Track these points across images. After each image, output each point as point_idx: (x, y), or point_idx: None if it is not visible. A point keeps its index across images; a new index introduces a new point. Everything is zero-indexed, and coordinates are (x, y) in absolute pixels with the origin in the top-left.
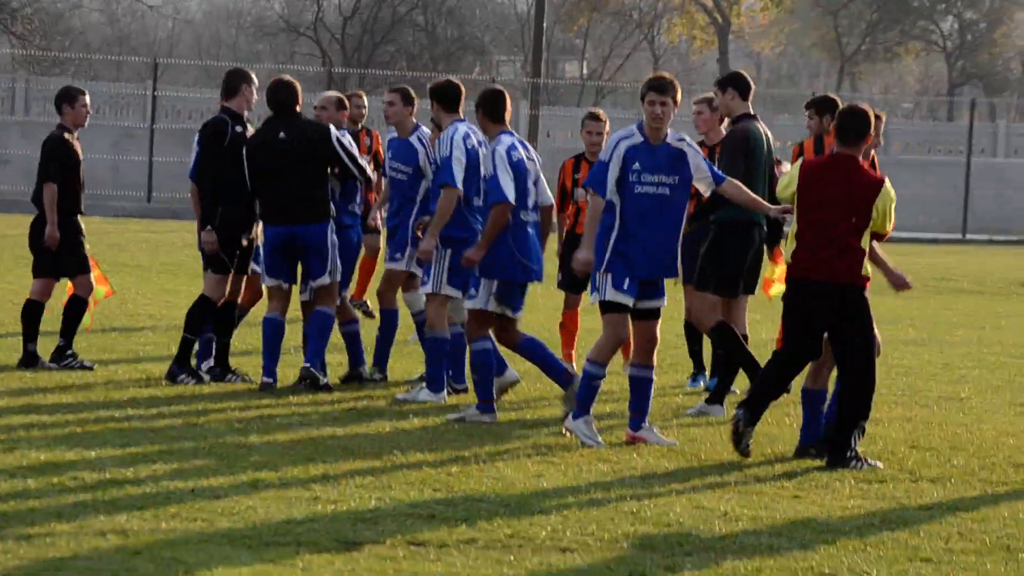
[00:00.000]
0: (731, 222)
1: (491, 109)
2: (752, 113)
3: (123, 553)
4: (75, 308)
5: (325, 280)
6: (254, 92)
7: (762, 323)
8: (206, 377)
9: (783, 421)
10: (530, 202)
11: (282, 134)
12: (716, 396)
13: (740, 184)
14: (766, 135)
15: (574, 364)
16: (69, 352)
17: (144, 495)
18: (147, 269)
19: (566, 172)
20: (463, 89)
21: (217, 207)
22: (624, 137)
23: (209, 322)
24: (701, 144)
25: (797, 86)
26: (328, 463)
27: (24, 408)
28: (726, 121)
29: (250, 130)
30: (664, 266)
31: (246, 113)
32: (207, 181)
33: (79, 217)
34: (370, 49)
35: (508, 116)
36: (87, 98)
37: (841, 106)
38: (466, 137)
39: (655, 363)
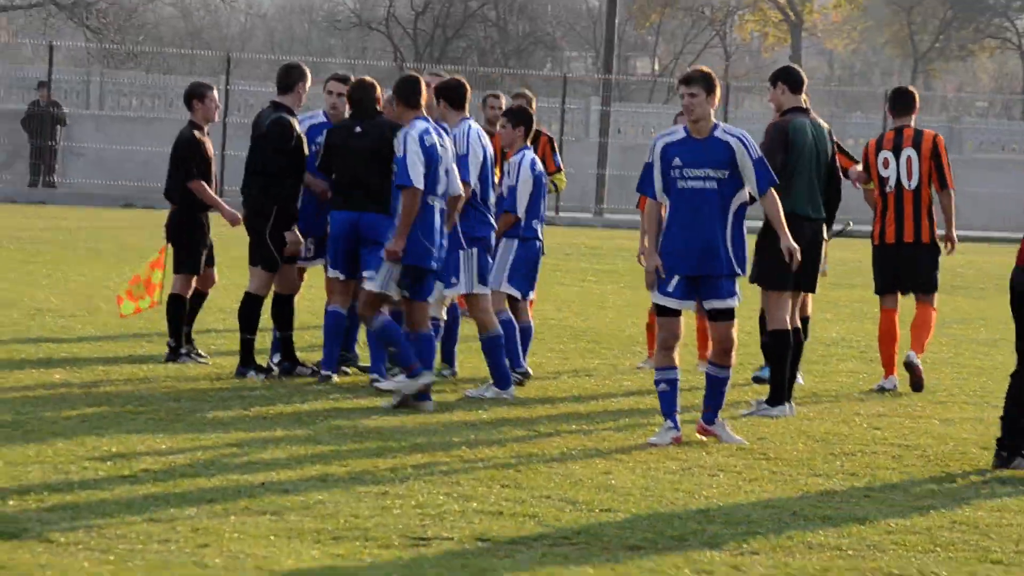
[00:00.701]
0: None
1: (406, 96)
2: (804, 107)
3: (192, 545)
4: (176, 306)
5: None
6: (307, 88)
7: (832, 322)
8: (275, 370)
9: (852, 420)
10: (439, 189)
11: (358, 128)
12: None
13: (778, 202)
14: (817, 129)
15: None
16: (183, 350)
17: (213, 488)
18: (218, 264)
19: None
20: (468, 86)
21: (274, 205)
22: (663, 135)
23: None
24: None
25: (870, 84)
26: (396, 457)
27: (96, 400)
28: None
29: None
30: (711, 261)
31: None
32: (269, 177)
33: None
34: (442, 44)
35: (424, 102)
36: (215, 93)
37: (916, 97)
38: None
39: (732, 363)
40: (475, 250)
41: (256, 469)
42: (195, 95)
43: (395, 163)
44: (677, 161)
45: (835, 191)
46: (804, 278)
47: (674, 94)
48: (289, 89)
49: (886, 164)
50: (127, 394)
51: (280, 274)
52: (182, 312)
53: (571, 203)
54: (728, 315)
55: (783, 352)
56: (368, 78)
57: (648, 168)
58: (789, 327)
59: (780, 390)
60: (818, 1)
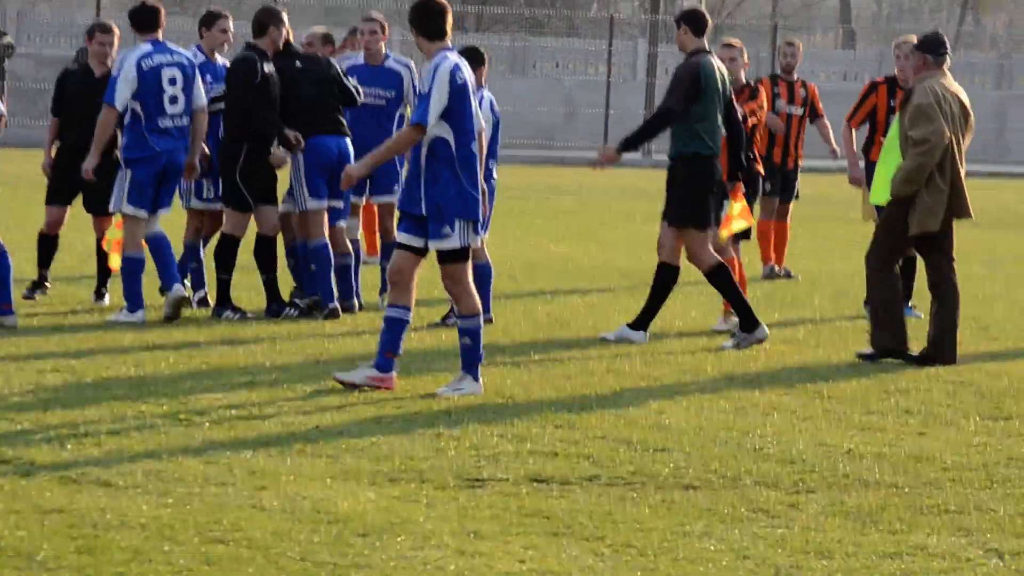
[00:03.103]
0: (695, 156)
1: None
2: (706, 49)
3: (249, 487)
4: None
5: (361, 200)
6: (283, 33)
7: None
8: (244, 313)
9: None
10: None
11: (299, 63)
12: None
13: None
14: (720, 70)
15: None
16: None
17: (269, 431)
18: None
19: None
20: (160, 8)
21: (243, 144)
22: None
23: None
24: (896, 87)
25: (918, 21)
26: (450, 399)
27: (149, 346)
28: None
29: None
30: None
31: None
32: (237, 117)
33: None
34: None
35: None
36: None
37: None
38: (143, 57)
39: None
40: (129, 171)
41: (310, 412)
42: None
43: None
44: None
45: (736, 132)
46: (716, 214)
47: (721, 34)
48: (263, 32)
49: None
50: (180, 339)
51: (261, 215)
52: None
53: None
54: (442, 257)
55: (728, 281)
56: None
57: None
58: (715, 262)
59: (747, 314)
60: None
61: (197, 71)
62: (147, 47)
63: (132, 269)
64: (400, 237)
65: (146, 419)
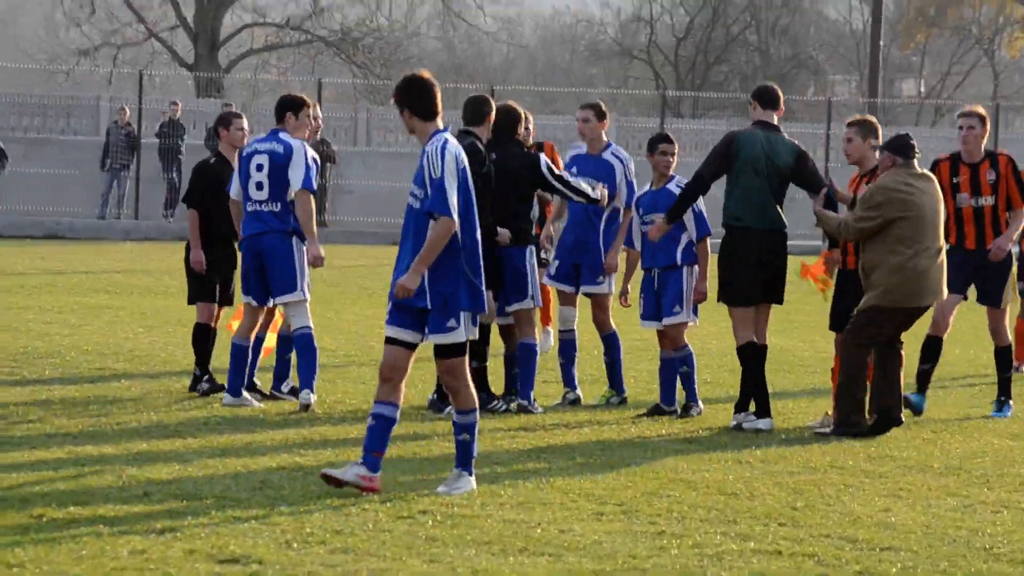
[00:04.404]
0: (727, 227)
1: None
2: (768, 122)
3: None
4: (200, 335)
5: (527, 304)
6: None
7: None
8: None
9: None
10: None
11: (494, 155)
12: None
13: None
14: (771, 143)
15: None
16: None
17: (491, 528)
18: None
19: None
20: (290, 101)
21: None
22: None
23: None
24: (960, 161)
25: None
26: (672, 497)
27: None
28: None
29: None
30: None
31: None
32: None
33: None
34: (703, 70)
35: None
36: (243, 121)
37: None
38: (250, 144)
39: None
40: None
41: (531, 508)
42: (221, 123)
43: None
44: None
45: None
46: (771, 291)
47: (941, 116)
48: (481, 120)
49: None
50: (403, 435)
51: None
52: (206, 341)
53: None
54: (445, 351)
55: (753, 365)
56: (510, 103)
57: None
58: (754, 340)
59: (763, 402)
60: None
61: (300, 154)
62: (260, 136)
63: (233, 354)
64: (393, 332)
65: (369, 516)
